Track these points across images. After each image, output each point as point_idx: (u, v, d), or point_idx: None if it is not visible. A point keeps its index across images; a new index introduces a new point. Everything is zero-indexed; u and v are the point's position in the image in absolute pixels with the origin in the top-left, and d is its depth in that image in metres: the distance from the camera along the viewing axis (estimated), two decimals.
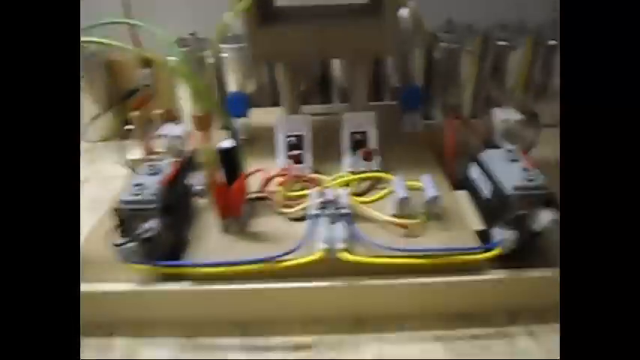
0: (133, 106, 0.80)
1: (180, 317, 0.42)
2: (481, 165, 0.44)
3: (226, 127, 0.41)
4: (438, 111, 0.72)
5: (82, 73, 0.74)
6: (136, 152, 0.60)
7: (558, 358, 0.26)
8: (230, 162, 0.42)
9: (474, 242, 0.41)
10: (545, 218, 0.37)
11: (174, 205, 0.42)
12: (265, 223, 0.44)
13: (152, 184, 0.40)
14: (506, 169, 0.40)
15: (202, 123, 0.37)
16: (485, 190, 0.42)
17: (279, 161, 0.51)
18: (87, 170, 0.70)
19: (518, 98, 0.70)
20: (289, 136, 0.52)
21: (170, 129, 0.47)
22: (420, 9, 0.55)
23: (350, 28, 0.47)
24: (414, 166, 0.52)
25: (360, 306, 0.41)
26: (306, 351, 0.39)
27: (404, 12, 0.52)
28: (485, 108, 0.74)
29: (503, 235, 0.39)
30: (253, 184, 0.48)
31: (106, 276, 0.40)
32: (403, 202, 0.42)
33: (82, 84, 0.76)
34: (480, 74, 0.71)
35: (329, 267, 0.39)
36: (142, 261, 0.39)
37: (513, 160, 0.41)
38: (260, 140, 0.60)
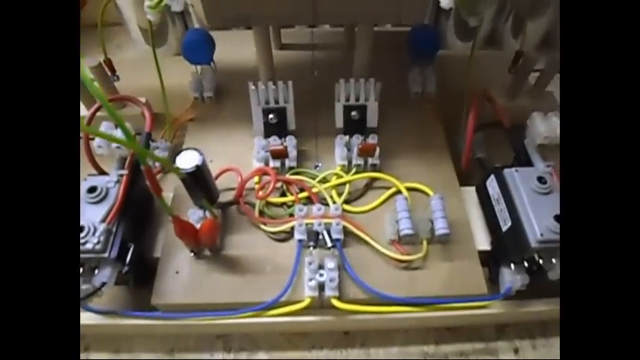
0: None
1: (157, 335, 0.39)
2: (504, 185, 0.36)
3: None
4: (451, 35, 0.57)
5: None
6: None
7: None
8: (192, 185, 0.33)
9: (478, 279, 0.36)
10: None
11: (132, 231, 0.35)
12: (243, 242, 0.38)
13: (96, 222, 0.32)
14: (535, 209, 0.33)
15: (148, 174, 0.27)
16: (503, 220, 0.36)
17: (257, 151, 0.41)
18: None
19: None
20: (267, 111, 0.41)
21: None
22: None
23: None
24: (419, 154, 0.43)
25: (347, 325, 0.39)
26: None
27: None
28: (511, 29, 0.60)
29: (515, 281, 0.34)
30: (225, 181, 0.40)
31: None
32: (406, 237, 0.36)
33: None
34: None
35: (317, 302, 0.35)
36: (104, 310, 0.34)
37: (545, 193, 0.34)
38: (231, 97, 0.48)
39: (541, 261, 0.33)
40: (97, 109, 0.40)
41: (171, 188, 0.41)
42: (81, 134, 0.37)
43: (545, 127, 0.36)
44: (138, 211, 0.37)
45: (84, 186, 0.34)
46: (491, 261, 0.38)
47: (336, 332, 0.40)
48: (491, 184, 0.38)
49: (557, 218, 0.32)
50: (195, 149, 0.33)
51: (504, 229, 0.35)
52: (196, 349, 0.39)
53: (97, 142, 0.35)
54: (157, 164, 0.42)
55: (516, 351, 0.40)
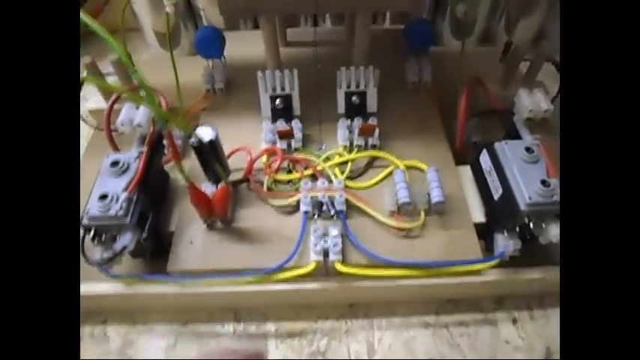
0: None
1: (171, 308, 0.41)
2: (495, 157, 0.39)
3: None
4: (447, 34, 0.60)
5: None
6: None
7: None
8: (207, 157, 0.36)
9: (474, 246, 0.39)
10: (554, 234, 0.35)
11: (150, 203, 0.38)
12: (252, 216, 0.41)
13: (119, 191, 0.35)
14: (523, 176, 0.36)
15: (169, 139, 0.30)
16: (495, 190, 0.38)
17: (265, 134, 0.44)
18: None
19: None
20: (274, 97, 0.44)
21: (129, 114, 0.39)
22: None
23: None
24: (416, 135, 0.46)
25: (351, 294, 0.41)
26: (298, 337, 0.40)
27: None
28: (504, 27, 0.63)
29: (508, 246, 0.37)
30: (236, 161, 0.43)
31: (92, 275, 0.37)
32: (404, 205, 0.38)
33: None
34: None
35: (322, 269, 0.37)
36: (123, 275, 0.37)
37: (533, 162, 0.36)
38: (240, 89, 0.52)
39: (532, 225, 0.35)
40: (116, 100, 0.43)
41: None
42: (103, 122, 0.41)
43: (531, 101, 0.38)
44: (155, 188, 0.40)
45: (107, 161, 0.37)
46: (486, 233, 0.40)
47: (341, 305, 0.42)
48: (484, 158, 0.40)
49: (543, 183, 0.34)
50: (209, 125, 0.36)
51: (496, 197, 0.38)
52: (208, 321, 0.41)
53: (119, 120, 0.38)
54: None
55: (515, 321, 0.42)
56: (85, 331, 0.41)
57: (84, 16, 0.24)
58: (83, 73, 0.49)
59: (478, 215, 0.41)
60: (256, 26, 0.63)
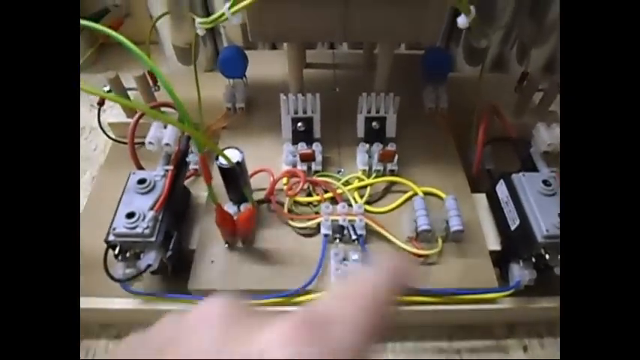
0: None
1: None
2: (513, 188, 0.39)
3: None
4: (461, 60, 0.62)
5: None
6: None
7: None
8: (234, 179, 0.37)
9: (489, 274, 0.39)
10: None
11: (174, 222, 0.38)
12: (273, 237, 0.41)
13: (145, 209, 0.36)
14: (540, 208, 0.36)
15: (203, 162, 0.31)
16: (512, 220, 0.39)
17: (286, 155, 0.45)
18: None
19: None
20: (296, 120, 0.45)
21: (157, 133, 0.39)
22: None
23: (386, 9, 0.36)
24: (433, 162, 0.47)
25: None
26: None
27: None
28: (516, 55, 0.65)
29: (523, 276, 0.37)
30: (255, 182, 0.43)
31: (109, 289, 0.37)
32: (424, 233, 0.39)
33: None
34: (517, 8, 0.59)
35: None
36: (144, 292, 0.37)
37: (550, 195, 0.37)
38: (260, 109, 0.52)
39: (547, 256, 0.36)
40: (141, 117, 0.44)
41: (205, 189, 0.45)
42: (127, 138, 0.42)
43: (549, 135, 0.40)
44: (178, 206, 0.40)
45: (133, 178, 0.38)
46: (501, 261, 0.41)
47: None
48: (501, 189, 0.41)
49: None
50: (236, 147, 0.37)
51: (513, 227, 0.39)
52: None
53: (148, 138, 0.39)
54: (190, 169, 0.46)
55: (525, 349, 0.42)
56: (100, 344, 0.41)
57: (115, 34, 0.24)
58: (106, 88, 0.49)
59: (493, 243, 0.42)
60: (274, 46, 0.65)
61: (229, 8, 0.33)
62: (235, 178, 0.36)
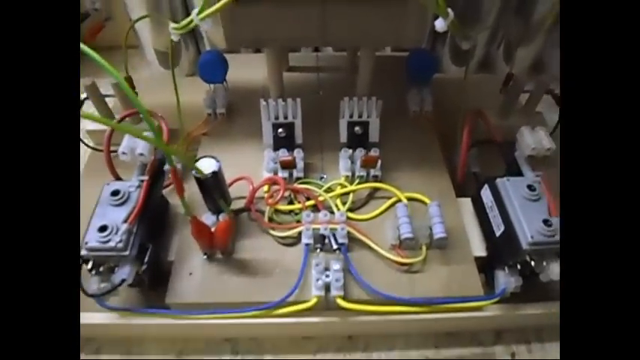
0: (85, 37, 0.66)
1: (167, 338, 0.41)
2: (497, 193, 0.39)
3: None
4: (447, 60, 0.61)
5: None
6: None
7: None
8: (210, 189, 0.36)
9: (474, 281, 0.39)
10: (555, 272, 0.35)
11: (149, 234, 0.37)
12: (253, 246, 0.40)
13: (119, 222, 0.35)
14: (525, 214, 0.36)
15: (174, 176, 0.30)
16: (496, 226, 0.38)
17: (267, 162, 0.44)
18: None
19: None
20: (277, 125, 0.44)
21: (131, 143, 0.38)
22: None
23: (366, 11, 0.35)
24: (417, 166, 0.46)
25: (351, 327, 0.41)
26: None
27: None
28: (502, 55, 0.64)
29: (509, 283, 0.37)
30: (236, 190, 0.42)
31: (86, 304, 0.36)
32: (407, 240, 0.38)
33: None
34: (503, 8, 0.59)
35: (323, 303, 0.37)
36: (119, 307, 0.36)
37: (535, 200, 0.36)
38: (242, 114, 0.51)
39: (533, 263, 0.35)
40: (122, 119, 0.43)
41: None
42: (103, 145, 0.41)
43: (533, 139, 0.39)
44: (154, 217, 0.39)
45: (107, 190, 0.37)
46: (486, 267, 0.41)
47: (340, 336, 0.42)
48: (485, 193, 0.40)
49: (545, 222, 0.35)
50: (212, 157, 0.36)
51: (498, 233, 0.38)
52: (205, 352, 0.41)
53: (121, 148, 0.37)
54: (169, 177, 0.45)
55: (513, 355, 0.42)
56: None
57: (82, 46, 0.23)
58: (83, 95, 0.48)
59: (478, 249, 0.41)
60: (258, 50, 0.63)
61: (197, 14, 0.32)
62: (211, 188, 0.35)
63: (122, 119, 0.42)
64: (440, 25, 0.32)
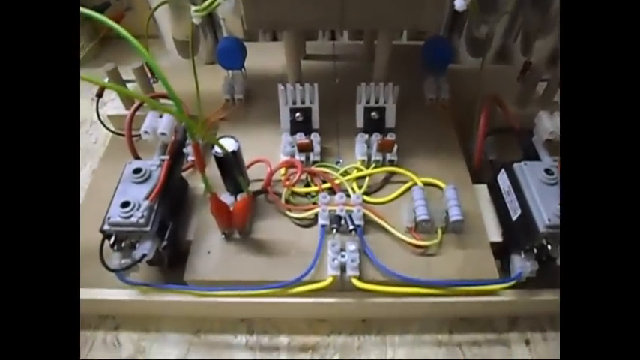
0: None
1: (184, 316, 0.41)
2: (514, 178, 0.39)
3: None
4: (463, 52, 0.61)
5: None
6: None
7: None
8: (229, 168, 0.37)
9: (490, 265, 0.39)
10: None
11: (169, 212, 0.38)
12: (270, 227, 0.41)
13: (140, 199, 0.35)
14: (542, 198, 0.36)
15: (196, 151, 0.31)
16: (513, 210, 0.38)
17: (284, 146, 0.45)
18: None
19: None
20: (294, 110, 0.44)
21: (153, 123, 0.39)
22: None
23: None
24: (433, 152, 0.46)
25: (365, 309, 0.41)
26: (310, 351, 0.40)
27: None
28: (520, 46, 0.64)
29: (525, 267, 0.37)
30: (254, 172, 0.43)
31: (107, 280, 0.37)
32: (423, 223, 0.38)
33: None
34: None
35: (338, 283, 0.38)
36: (139, 282, 0.37)
37: (552, 184, 0.36)
38: (259, 100, 0.52)
39: (549, 247, 0.35)
40: (138, 107, 0.44)
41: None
42: (124, 130, 0.42)
43: (551, 123, 0.39)
44: (174, 197, 0.40)
45: (129, 168, 0.37)
46: (502, 253, 0.40)
47: (354, 319, 0.42)
48: (502, 178, 0.40)
49: None
50: (232, 137, 0.37)
51: (514, 218, 0.38)
52: (221, 331, 0.41)
53: (144, 127, 0.38)
54: (189, 160, 0.46)
55: (527, 342, 0.41)
56: (98, 336, 0.41)
57: (114, 25, 0.24)
58: (105, 79, 0.49)
59: (494, 234, 0.41)
60: (275, 38, 0.64)
61: None
62: (230, 167, 0.35)
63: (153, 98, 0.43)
64: (459, 4, 0.32)
